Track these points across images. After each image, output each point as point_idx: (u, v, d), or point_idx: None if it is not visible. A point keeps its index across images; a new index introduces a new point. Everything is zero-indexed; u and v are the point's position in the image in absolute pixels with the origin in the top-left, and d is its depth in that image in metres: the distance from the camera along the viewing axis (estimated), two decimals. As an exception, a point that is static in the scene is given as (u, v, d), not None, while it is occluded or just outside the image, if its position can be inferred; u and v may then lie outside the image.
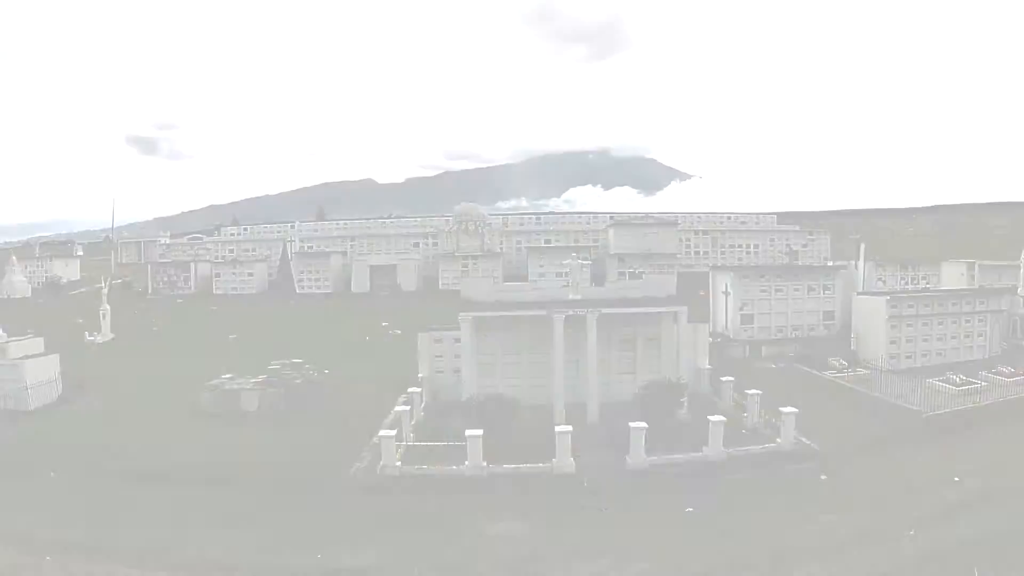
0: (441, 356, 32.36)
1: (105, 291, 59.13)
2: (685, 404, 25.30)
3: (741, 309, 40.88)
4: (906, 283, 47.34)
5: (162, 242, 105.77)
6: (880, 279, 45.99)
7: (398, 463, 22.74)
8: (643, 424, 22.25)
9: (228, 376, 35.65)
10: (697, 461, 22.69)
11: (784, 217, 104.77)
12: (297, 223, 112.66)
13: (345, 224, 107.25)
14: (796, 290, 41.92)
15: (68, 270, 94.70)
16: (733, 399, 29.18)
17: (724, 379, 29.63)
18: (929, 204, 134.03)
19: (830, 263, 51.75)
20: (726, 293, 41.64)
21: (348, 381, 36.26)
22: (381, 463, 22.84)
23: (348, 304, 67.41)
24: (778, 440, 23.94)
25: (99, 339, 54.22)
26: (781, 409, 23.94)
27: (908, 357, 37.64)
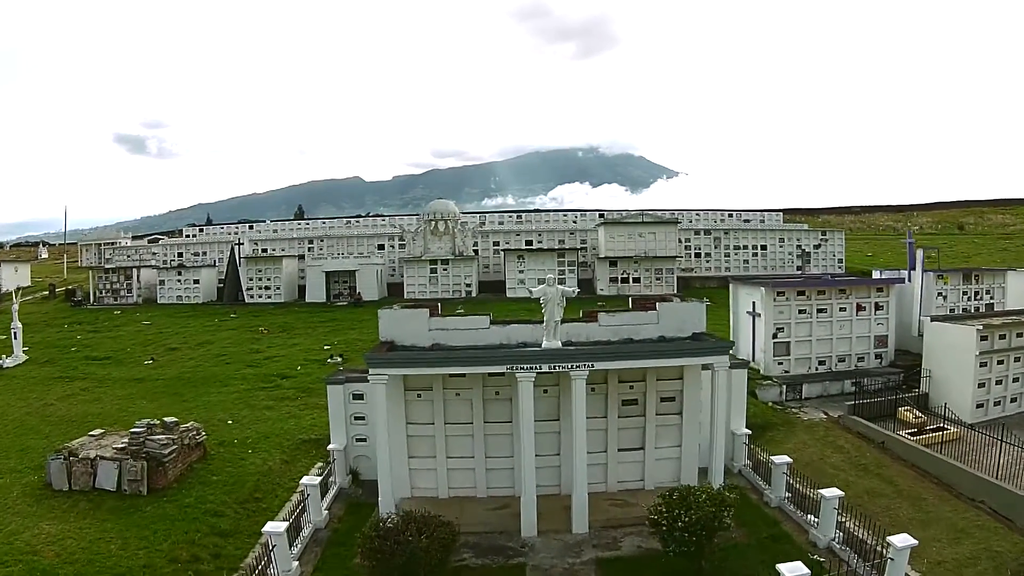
0: (363, 418, 22.46)
1: (15, 306, 49.49)
2: (730, 522, 15.59)
3: (775, 336, 31.30)
4: (968, 298, 38.02)
5: (122, 243, 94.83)
6: (941, 293, 36.61)
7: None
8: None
9: (97, 432, 25.93)
10: (761, 642, 13.35)
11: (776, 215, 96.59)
12: (268, 221, 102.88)
13: (306, 224, 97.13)
14: (842, 309, 32.40)
15: (18, 276, 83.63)
16: (788, 486, 19.72)
17: (777, 460, 19.90)
18: (927, 201, 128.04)
19: (878, 271, 42.48)
20: (754, 314, 32.11)
21: (253, 441, 26.63)
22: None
23: (296, 317, 57.53)
24: (884, 587, 14.57)
25: (8, 362, 44.53)
26: (891, 540, 14.40)
27: (996, 404, 28.39)
